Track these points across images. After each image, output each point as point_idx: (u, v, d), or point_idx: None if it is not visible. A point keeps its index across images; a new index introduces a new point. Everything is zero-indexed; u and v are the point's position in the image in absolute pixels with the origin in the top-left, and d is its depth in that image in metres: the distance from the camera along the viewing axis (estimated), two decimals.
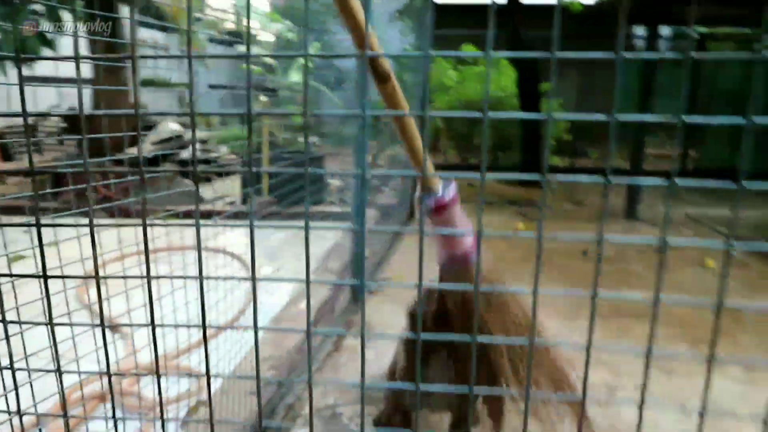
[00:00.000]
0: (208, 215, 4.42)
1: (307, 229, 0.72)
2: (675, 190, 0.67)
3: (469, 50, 9.66)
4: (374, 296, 3.63)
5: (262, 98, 7.27)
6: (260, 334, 2.15)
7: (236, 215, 4.44)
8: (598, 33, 9.12)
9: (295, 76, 8.64)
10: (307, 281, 0.75)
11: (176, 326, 0.79)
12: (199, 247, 0.73)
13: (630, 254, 4.67)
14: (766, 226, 5.82)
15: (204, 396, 2.06)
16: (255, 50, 7.65)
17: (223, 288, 2.09)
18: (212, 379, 1.84)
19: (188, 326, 0.76)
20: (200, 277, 0.74)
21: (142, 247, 0.69)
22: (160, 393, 0.77)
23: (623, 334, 3.16)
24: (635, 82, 7.41)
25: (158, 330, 0.94)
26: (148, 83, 8.57)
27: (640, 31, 10.46)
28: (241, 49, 8.01)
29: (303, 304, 2.72)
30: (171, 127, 6.54)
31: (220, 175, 6.23)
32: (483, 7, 11.08)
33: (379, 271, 3.98)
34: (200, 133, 7.29)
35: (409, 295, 2.38)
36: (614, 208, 6.35)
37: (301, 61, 8.30)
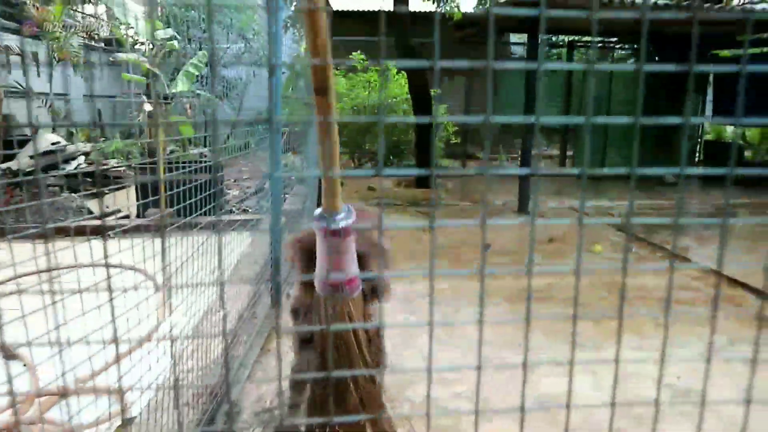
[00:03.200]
0: (97, 231, 4.11)
1: (220, 236, 0.71)
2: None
3: (359, 57, 9.80)
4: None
5: (148, 107, 6.90)
6: (182, 345, 2.04)
7: (134, 229, 4.14)
8: (480, 39, 9.64)
9: (182, 86, 8.28)
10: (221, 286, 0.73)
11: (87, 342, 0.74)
12: (106, 263, 0.69)
13: (526, 245, 4.95)
14: (638, 213, 6.42)
15: (130, 414, 1.92)
16: (135, 57, 7.23)
17: (134, 304, 1.96)
18: (137, 396, 1.72)
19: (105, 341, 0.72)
20: (110, 292, 0.70)
21: (38, 266, 0.64)
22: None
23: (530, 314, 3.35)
24: (520, 87, 7.89)
25: (69, 353, 0.86)
26: (12, 92, 7.85)
27: (517, 38, 11.15)
28: (122, 56, 7.55)
29: (221, 313, 2.62)
30: (50, 138, 6.03)
31: (113, 189, 5.83)
32: (373, 14, 11.27)
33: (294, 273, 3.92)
34: (83, 146, 6.77)
35: None
36: (509, 204, 6.72)
37: (189, 69, 8.01)
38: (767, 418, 1.98)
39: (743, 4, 6.88)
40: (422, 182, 7.70)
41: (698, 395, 2.55)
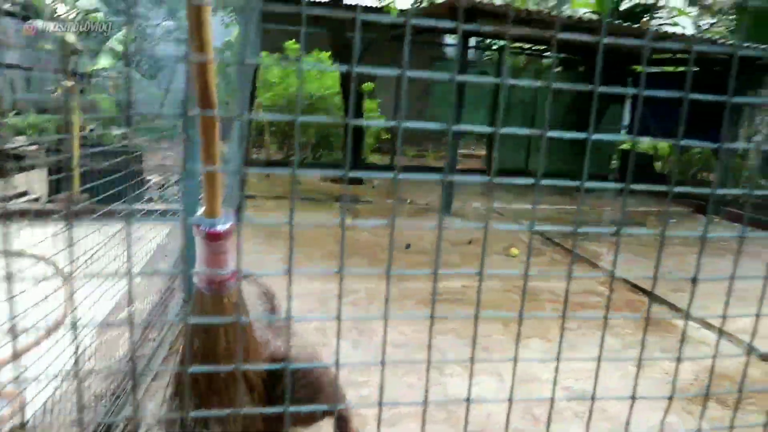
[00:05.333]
0: (6, 215, 3.84)
1: (129, 227, 0.70)
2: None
3: (292, 47, 9.66)
4: None
5: (67, 83, 6.53)
6: (87, 342, 1.97)
7: (42, 213, 3.93)
8: (414, 38, 9.73)
9: (105, 61, 7.91)
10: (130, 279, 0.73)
11: None
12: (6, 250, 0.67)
13: (446, 246, 5.07)
14: (555, 218, 6.70)
15: (24, 418, 1.83)
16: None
17: (35, 297, 1.87)
18: (31, 398, 1.65)
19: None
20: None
21: None
22: None
23: (441, 320, 3.44)
24: (452, 87, 8.03)
25: None
26: None
27: (451, 40, 11.31)
28: (40, 24, 7.10)
29: (132, 308, 2.53)
30: None
31: (22, 168, 5.49)
32: (308, 4, 11.12)
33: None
34: None
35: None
36: (432, 205, 6.84)
37: (113, 44, 7.62)
38: (652, 416, 2.14)
39: (659, 26, 7.30)
40: (350, 179, 7.71)
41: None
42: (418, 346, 3.01)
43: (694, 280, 1.00)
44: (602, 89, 0.80)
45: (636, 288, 4.32)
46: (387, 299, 0.90)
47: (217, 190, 1.52)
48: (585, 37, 0.76)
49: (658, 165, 10.09)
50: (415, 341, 3.07)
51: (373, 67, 0.73)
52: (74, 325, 0.67)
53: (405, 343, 3.04)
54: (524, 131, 0.83)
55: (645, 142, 10.31)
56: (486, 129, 0.78)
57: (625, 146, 10.40)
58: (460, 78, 0.79)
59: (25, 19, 8.03)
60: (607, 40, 0.78)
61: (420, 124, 0.86)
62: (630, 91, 0.83)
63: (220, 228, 1.55)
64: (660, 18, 10.42)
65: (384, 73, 0.70)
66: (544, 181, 0.84)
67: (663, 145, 10.25)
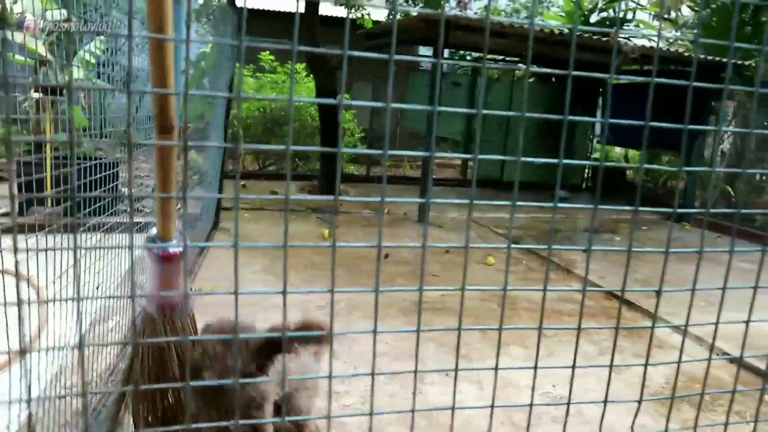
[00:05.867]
0: None
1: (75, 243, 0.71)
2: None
3: (267, 59, 9.67)
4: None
5: (35, 95, 6.42)
6: (64, 358, 1.94)
7: (11, 230, 3.83)
8: (388, 47, 9.80)
9: (76, 72, 7.78)
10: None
11: None
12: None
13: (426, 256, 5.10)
14: (531, 226, 6.80)
15: None
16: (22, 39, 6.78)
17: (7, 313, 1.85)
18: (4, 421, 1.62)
19: None
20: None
21: None
22: None
23: (425, 325, 3.46)
24: (425, 95, 8.12)
25: None
26: None
27: (426, 51, 11.44)
28: (6, 34, 7.01)
29: (111, 323, 2.50)
30: None
31: None
32: (283, 15, 11.12)
33: (189, 281, 3.80)
34: None
35: (218, 308, 2.34)
36: (410, 214, 6.88)
37: (82, 55, 7.55)
38: (627, 419, 2.19)
39: (626, 38, 7.52)
40: (326, 188, 7.71)
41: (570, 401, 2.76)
42: (399, 354, 3.03)
43: (658, 293, 1.05)
44: (571, 118, 0.84)
45: (611, 295, 4.41)
46: (376, 317, 0.92)
47: (171, 213, 1.53)
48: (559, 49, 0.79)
49: (629, 174, 10.31)
50: (396, 350, 3.09)
51: (349, 77, 0.75)
52: (50, 344, 0.68)
53: (386, 352, 3.05)
54: (499, 157, 0.87)
55: (616, 151, 10.54)
56: (464, 156, 0.81)
57: (596, 156, 10.60)
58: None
59: None
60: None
61: (405, 152, 0.89)
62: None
63: (173, 250, 1.56)
64: (628, 31, 10.69)
65: (371, 105, 0.73)
66: (520, 203, 0.88)
67: (633, 153, 10.49)
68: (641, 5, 10.72)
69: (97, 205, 2.62)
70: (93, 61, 7.26)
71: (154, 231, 1.57)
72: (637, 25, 10.91)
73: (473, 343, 3.29)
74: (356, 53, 0.75)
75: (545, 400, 2.75)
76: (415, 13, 7.57)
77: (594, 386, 2.82)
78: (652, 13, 10.83)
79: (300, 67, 9.70)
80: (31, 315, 1.93)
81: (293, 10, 8.84)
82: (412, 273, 4.56)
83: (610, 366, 1.10)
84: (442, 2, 7.45)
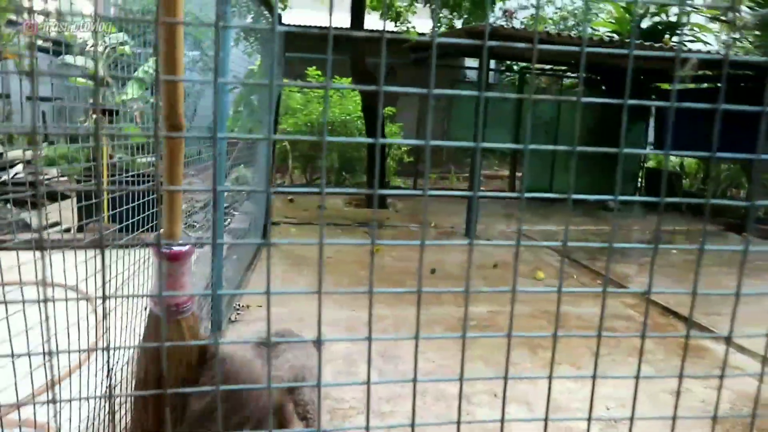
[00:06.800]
0: (38, 246, 3.92)
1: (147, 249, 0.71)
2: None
3: (314, 74, 9.80)
4: (236, 324, 3.52)
5: (97, 114, 6.68)
6: (119, 369, 1.98)
7: (72, 242, 3.98)
8: (436, 60, 9.78)
9: (132, 91, 8.09)
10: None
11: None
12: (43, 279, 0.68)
13: (471, 271, 5.02)
14: (582, 239, 6.61)
15: None
16: (86, 62, 7.09)
17: (66, 325, 1.90)
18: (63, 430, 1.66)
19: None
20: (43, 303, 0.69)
21: None
22: None
23: (468, 346, 3.39)
24: (471, 108, 8.05)
25: None
26: None
27: (472, 63, 11.37)
28: (69, 59, 7.33)
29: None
30: None
31: (54, 199, 5.61)
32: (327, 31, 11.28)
33: (237, 298, 3.86)
34: (23, 153, 6.51)
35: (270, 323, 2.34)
36: (457, 227, 6.80)
37: (140, 74, 7.84)
38: None
39: (679, 43, 7.26)
40: (373, 202, 7.73)
41: (624, 425, 2.63)
42: (446, 374, 2.98)
43: (737, 295, 0.96)
44: (632, 102, 0.79)
45: (666, 311, 4.22)
46: (418, 319, 0.88)
47: (177, 210, 1.55)
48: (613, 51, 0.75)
49: (685, 183, 9.92)
50: (442, 369, 3.03)
51: (397, 89, 0.73)
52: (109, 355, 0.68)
53: (432, 371, 3.00)
54: (551, 147, 0.83)
55: (672, 160, 10.16)
56: (513, 146, 0.78)
57: (651, 164, 10.25)
58: (489, 94, 0.79)
59: (56, 54, 8.28)
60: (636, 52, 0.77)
61: (447, 143, 0.86)
62: (663, 104, 0.82)
63: (179, 249, 1.58)
64: (683, 35, 10.33)
65: (411, 92, 0.70)
66: (576, 196, 0.83)
67: (690, 161, 10.09)
68: (697, 8, 10.34)
69: (154, 223, 2.67)
70: (147, 80, 7.48)
71: (160, 231, 1.60)
72: (692, 29, 10.54)
73: (522, 362, 3.20)
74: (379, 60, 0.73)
75: (598, 423, 2.64)
76: (458, 25, 7.54)
77: (649, 410, 2.70)
78: (709, 16, 10.43)
79: (347, 81, 9.79)
80: (89, 329, 1.98)
81: (340, 26, 8.95)
82: (459, 288, 4.49)
83: (678, 390, 1.02)
84: (487, 12, 7.40)
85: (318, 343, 0.82)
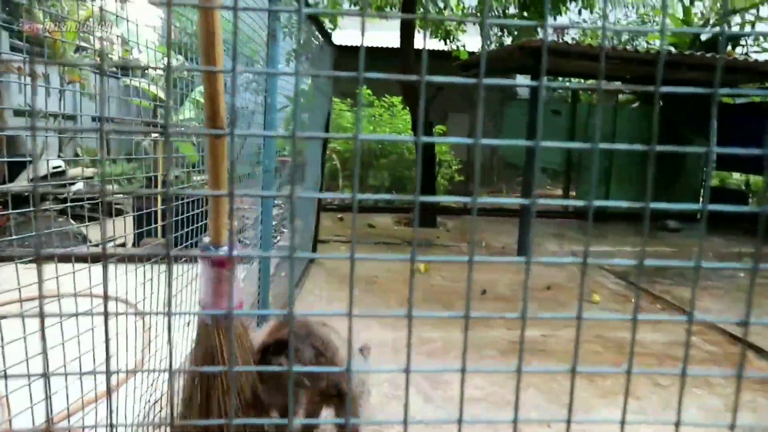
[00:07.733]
0: (96, 259, 4.04)
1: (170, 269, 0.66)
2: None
3: (365, 92, 9.86)
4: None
5: (154, 135, 6.92)
6: (168, 384, 1.98)
7: (128, 259, 4.09)
8: (486, 77, 9.69)
9: (189, 112, 8.35)
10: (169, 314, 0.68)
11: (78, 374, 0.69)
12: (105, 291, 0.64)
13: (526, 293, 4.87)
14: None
15: None
16: (144, 84, 7.33)
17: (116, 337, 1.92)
18: None
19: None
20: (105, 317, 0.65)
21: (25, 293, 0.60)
22: None
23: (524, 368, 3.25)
24: (523, 123, 7.90)
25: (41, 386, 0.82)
26: (20, 113, 7.91)
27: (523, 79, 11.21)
28: (128, 81, 7.61)
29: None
30: (52, 163, 6.04)
31: (110, 214, 5.81)
32: (378, 50, 11.39)
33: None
34: (87, 170, 6.78)
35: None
36: (508, 247, 6.64)
37: (196, 96, 8.07)
38: None
39: (745, 54, 6.92)
40: (423, 221, 7.66)
41: None
42: (496, 401, 2.86)
43: (745, 324, 0.84)
44: (724, 91, 0.69)
45: (735, 339, 3.96)
46: (464, 350, 0.81)
47: (222, 216, 1.53)
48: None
49: (752, 202, 9.44)
50: (493, 396, 2.91)
51: (444, 108, 0.68)
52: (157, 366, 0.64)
53: (482, 398, 2.89)
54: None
55: (737, 178, 9.69)
56: (574, 145, 0.70)
57: (713, 182, 9.81)
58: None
59: (119, 76, 8.63)
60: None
61: (498, 141, 0.79)
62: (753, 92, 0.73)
63: (225, 254, 1.57)
64: (746, 45, 9.91)
65: (460, 81, 0.64)
66: (658, 205, 0.73)
67: (756, 179, 9.60)
68: (761, 16, 9.89)
69: (199, 237, 2.68)
70: (202, 100, 7.68)
71: (206, 239, 1.59)
72: (756, 39, 10.08)
73: (578, 391, 3.04)
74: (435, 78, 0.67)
75: None
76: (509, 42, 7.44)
77: None
78: None
79: (396, 100, 9.81)
80: (136, 340, 1.99)
81: (390, 45, 9.00)
82: (510, 311, 4.35)
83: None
84: (539, 28, 7.27)
85: (348, 372, 0.77)
